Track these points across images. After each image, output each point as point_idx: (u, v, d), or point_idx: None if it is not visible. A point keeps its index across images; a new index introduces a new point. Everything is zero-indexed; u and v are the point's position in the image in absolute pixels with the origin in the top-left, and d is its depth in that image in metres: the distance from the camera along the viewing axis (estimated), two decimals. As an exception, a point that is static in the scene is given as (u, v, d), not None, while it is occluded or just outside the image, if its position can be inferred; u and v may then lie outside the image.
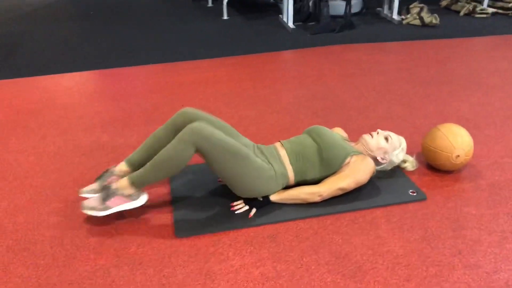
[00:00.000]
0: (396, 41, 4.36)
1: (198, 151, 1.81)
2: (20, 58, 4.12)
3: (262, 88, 3.32)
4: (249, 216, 1.94)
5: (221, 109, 2.99)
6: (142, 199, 1.91)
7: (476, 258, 1.71)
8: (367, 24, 4.96)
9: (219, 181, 2.19)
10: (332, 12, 4.96)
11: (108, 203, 1.86)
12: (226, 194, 2.06)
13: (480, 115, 2.83)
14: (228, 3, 5.41)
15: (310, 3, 5.11)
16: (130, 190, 1.87)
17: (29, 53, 4.25)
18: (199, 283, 1.62)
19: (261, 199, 1.99)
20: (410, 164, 2.27)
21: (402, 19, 5.02)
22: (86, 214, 1.95)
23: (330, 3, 5.00)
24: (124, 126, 2.78)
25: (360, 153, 2.07)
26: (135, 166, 2.05)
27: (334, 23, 4.72)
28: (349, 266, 1.68)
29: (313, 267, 1.68)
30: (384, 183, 2.15)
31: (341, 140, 2.10)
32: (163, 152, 1.82)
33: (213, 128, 1.84)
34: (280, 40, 4.50)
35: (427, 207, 2.00)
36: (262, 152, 2.04)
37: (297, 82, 3.41)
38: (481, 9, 5.25)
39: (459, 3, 5.47)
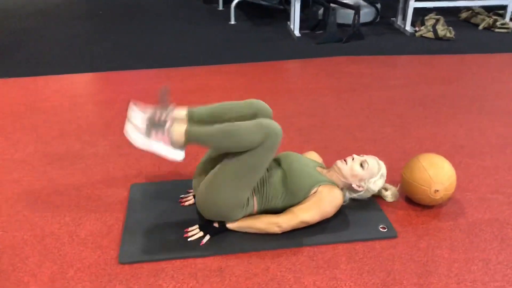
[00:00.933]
0: (404, 55, 4.16)
1: (257, 146, 1.68)
2: (24, 55, 4.11)
3: (251, 100, 3.19)
4: (201, 244, 1.82)
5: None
6: (180, 155, 1.77)
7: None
8: (377, 35, 4.76)
9: (181, 201, 2.07)
10: (342, 20, 4.78)
11: (154, 132, 1.73)
12: (184, 218, 1.94)
13: (477, 143, 2.62)
14: (238, 7, 5.30)
15: (320, 11, 4.94)
16: (180, 137, 1.74)
17: (32, 52, 4.23)
18: (128, 319, 1.51)
19: (217, 226, 1.86)
20: (391, 193, 2.10)
21: (415, 31, 4.79)
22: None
23: (340, 11, 4.82)
24: (99, 135, 2.69)
25: (330, 182, 1.91)
26: (195, 122, 1.86)
27: (342, 32, 4.54)
28: (294, 311, 1.54)
29: (254, 309, 1.55)
30: (354, 214, 1.99)
31: (311, 168, 1.95)
32: (237, 125, 1.69)
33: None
34: (284, 48, 4.36)
35: (396, 246, 1.83)
36: None
37: (289, 96, 3.27)
38: (502, 24, 4.97)
39: (479, 16, 5.20)
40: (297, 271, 1.71)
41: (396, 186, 2.11)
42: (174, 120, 1.79)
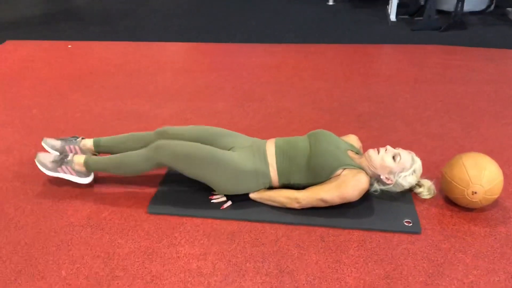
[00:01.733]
0: (509, 49, 3.77)
1: (160, 165, 1.93)
2: (130, 22, 4.52)
3: (320, 81, 3.18)
4: (221, 207, 1.92)
5: (264, 97, 2.95)
6: (87, 180, 2.06)
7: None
8: (484, 26, 4.36)
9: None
10: (445, 7, 4.46)
11: (59, 168, 2.03)
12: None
13: (555, 151, 2.34)
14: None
15: (423, -4, 4.66)
16: (81, 168, 2.02)
17: (138, 19, 4.64)
18: (137, 261, 1.68)
19: (241, 194, 1.95)
20: (427, 190, 1.99)
21: (531, 24, 4.30)
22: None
23: (444, -3, 4.49)
24: (168, 99, 2.91)
25: (357, 167, 1.88)
26: (98, 148, 2.17)
27: (442, 20, 4.24)
28: (286, 285, 1.58)
29: (250, 274, 1.62)
30: (382, 204, 1.94)
31: (340, 150, 1.93)
32: (126, 156, 1.96)
33: (176, 142, 1.91)
34: (376, 32, 4.21)
35: (415, 242, 1.76)
36: (251, 146, 1.98)
37: (360, 80, 3.19)
38: None
39: None
40: (304, 248, 1.73)
41: (432, 181, 2.00)
42: (77, 151, 2.15)
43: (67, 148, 2.17)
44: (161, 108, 2.79)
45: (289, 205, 1.89)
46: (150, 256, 1.70)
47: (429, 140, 2.45)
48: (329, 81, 3.17)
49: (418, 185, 2.00)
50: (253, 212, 1.90)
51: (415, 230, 1.81)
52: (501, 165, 2.22)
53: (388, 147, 1.94)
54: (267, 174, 1.92)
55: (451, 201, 1.97)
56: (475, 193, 1.81)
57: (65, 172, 2.04)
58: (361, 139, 2.40)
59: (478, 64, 3.46)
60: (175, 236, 1.79)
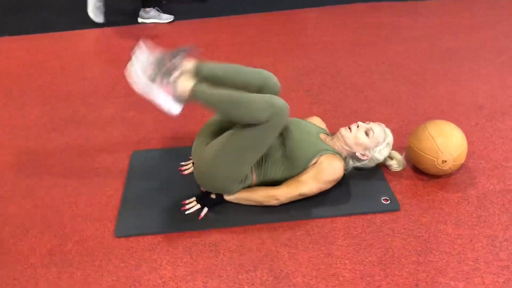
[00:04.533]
0: (431, 0, 3.85)
1: (262, 123, 1.60)
2: (33, 11, 4.04)
3: (262, 57, 3.06)
4: (199, 218, 1.80)
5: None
6: (178, 109, 1.66)
7: (433, 294, 1.50)
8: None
9: (181, 169, 2.05)
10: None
11: (159, 80, 1.61)
12: (183, 188, 1.92)
13: (498, 103, 2.45)
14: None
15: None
16: (184, 92, 1.64)
17: (39, 6, 4.16)
18: (120, 295, 1.53)
19: (214, 197, 1.83)
20: (397, 162, 2.00)
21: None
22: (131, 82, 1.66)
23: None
24: (104, 98, 2.66)
25: (332, 151, 1.84)
26: (200, 78, 1.73)
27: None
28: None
29: (246, 287, 1.54)
30: (356, 185, 1.92)
31: (313, 136, 1.87)
32: (246, 96, 1.61)
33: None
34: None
35: (397, 220, 1.77)
36: None
37: (301, 51, 3.11)
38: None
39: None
40: (293, 246, 1.68)
41: (402, 154, 2.01)
42: (183, 71, 1.68)
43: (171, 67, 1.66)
44: (100, 110, 2.55)
45: (266, 203, 1.81)
46: (133, 287, 1.55)
47: (383, 107, 2.46)
48: (270, 56, 3.06)
49: (390, 157, 2.01)
50: (230, 217, 1.80)
51: (394, 208, 1.82)
52: (457, 124, 2.28)
53: (360, 123, 1.91)
54: (249, 176, 1.82)
55: (419, 170, 1.99)
56: (445, 161, 1.85)
57: (161, 88, 1.62)
58: (317, 116, 2.35)
59: (408, 19, 3.51)
60: (154, 259, 1.65)
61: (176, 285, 1.55)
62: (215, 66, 1.78)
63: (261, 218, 1.79)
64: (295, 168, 1.82)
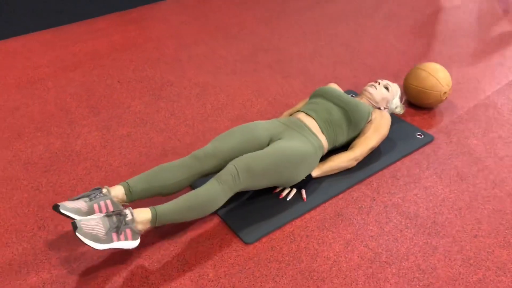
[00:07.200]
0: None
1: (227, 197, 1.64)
2: None
3: (149, 70, 2.98)
4: (304, 199, 1.82)
5: (121, 103, 2.61)
6: (137, 242, 1.51)
7: (510, 186, 1.93)
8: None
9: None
10: None
11: (114, 235, 1.45)
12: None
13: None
14: None
15: None
16: (144, 227, 1.52)
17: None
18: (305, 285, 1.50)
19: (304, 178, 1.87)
20: (400, 108, 2.35)
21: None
22: (78, 238, 1.40)
23: None
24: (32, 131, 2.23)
25: (369, 106, 2.07)
26: (132, 196, 1.65)
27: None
28: (427, 224, 1.74)
29: (398, 235, 1.69)
30: (392, 132, 2.21)
31: (355, 98, 2.07)
32: (197, 195, 1.57)
33: (252, 156, 1.67)
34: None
35: (439, 146, 2.14)
36: (289, 127, 1.89)
37: (235, 32, 3.15)
38: None
39: None
40: (398, 192, 1.88)
41: (402, 100, 2.38)
42: (108, 207, 1.56)
43: (95, 207, 1.53)
44: (33, 147, 2.14)
45: (349, 167, 1.96)
46: (310, 276, 1.53)
47: (343, 70, 2.77)
48: (155, 68, 3.00)
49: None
50: (325, 188, 1.88)
51: (430, 139, 2.18)
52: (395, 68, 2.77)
53: (379, 80, 2.18)
54: (322, 146, 1.90)
55: (417, 106, 2.40)
56: (445, 93, 2.29)
57: (121, 240, 1.46)
58: (288, 93, 2.52)
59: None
60: (304, 247, 1.64)
61: (354, 247, 1.60)
62: (139, 179, 1.67)
63: (353, 180, 1.92)
64: (357, 129, 2.00)
